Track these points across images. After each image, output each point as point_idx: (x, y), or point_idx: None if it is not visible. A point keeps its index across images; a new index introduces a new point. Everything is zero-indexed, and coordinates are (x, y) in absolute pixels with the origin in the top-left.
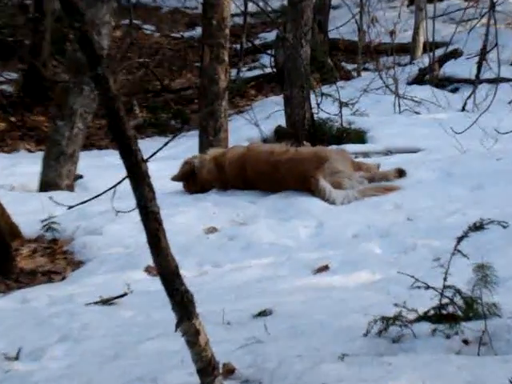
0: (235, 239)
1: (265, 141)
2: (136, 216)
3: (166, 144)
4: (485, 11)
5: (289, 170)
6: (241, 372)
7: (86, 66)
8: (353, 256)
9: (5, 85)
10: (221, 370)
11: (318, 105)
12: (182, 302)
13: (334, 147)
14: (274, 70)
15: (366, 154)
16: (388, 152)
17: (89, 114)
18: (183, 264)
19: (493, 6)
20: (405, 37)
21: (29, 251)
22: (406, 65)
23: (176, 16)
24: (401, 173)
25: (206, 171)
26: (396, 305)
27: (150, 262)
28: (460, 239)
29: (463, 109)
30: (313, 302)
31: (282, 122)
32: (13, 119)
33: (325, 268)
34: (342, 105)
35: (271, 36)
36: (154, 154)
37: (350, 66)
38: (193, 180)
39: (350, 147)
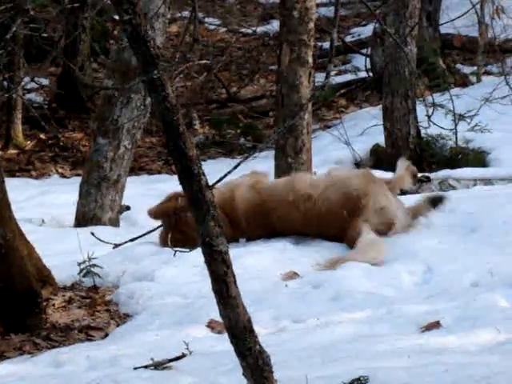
0: (321, 287)
1: (357, 164)
2: (198, 257)
3: (235, 167)
4: None
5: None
6: None
7: (136, 69)
8: (471, 310)
9: (33, 93)
10: None
11: (429, 118)
12: (255, 366)
13: (444, 172)
14: (371, 74)
15: (487, 181)
16: None
17: (138, 129)
18: (256, 318)
19: None
20: None
21: (63, 301)
22: None
23: (247, 7)
24: (435, 202)
25: None
26: None
27: (215, 315)
28: None
29: None
30: (420, 368)
31: (381, 139)
32: (43, 136)
33: (435, 325)
34: (457, 118)
35: (367, 31)
36: (222, 179)
37: (467, 69)
38: (177, 225)
39: (468, 172)
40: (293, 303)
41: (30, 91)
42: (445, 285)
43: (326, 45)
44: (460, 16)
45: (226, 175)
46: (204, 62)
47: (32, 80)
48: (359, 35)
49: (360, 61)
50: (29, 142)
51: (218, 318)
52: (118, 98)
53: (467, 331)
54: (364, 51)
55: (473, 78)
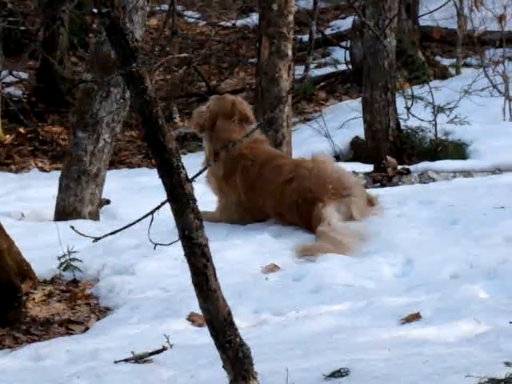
0: (301, 280)
1: (337, 157)
2: (177, 251)
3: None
4: None
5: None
6: None
7: (115, 62)
8: (451, 302)
9: (12, 87)
10: None
11: (408, 109)
12: (235, 358)
13: (424, 164)
14: (350, 66)
15: (467, 173)
16: (496, 170)
17: (117, 123)
18: (237, 311)
19: None
20: None
21: (42, 295)
22: None
23: (226, 0)
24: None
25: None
26: (508, 364)
27: (195, 308)
28: None
29: None
30: (400, 359)
31: (360, 132)
32: (22, 130)
33: (415, 317)
34: (436, 110)
35: (346, 24)
36: (201, 172)
37: (446, 61)
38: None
39: (448, 164)
40: (273, 296)
41: (8, 85)
42: (425, 277)
43: (306, 38)
44: (439, 8)
45: (205, 168)
46: (183, 55)
47: (10, 73)
48: (338, 28)
49: (339, 53)
50: (8, 136)
51: (199, 311)
52: (97, 92)
53: (447, 323)
54: (343, 44)
55: (452, 70)
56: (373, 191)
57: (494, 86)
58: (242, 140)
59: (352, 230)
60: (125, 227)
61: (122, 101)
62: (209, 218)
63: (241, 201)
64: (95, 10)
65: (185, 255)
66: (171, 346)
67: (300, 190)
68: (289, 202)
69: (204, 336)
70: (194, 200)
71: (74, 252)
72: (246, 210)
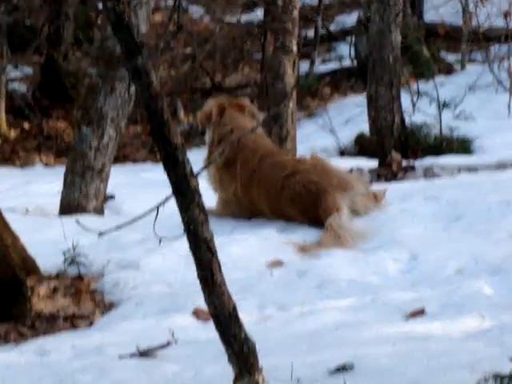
0: (306, 275)
1: (342, 153)
2: (182, 246)
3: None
4: None
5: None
6: None
7: (120, 57)
8: (456, 297)
9: (17, 82)
10: None
11: (414, 105)
12: (241, 353)
13: (429, 160)
14: (355, 62)
15: (472, 169)
16: (501, 166)
17: (122, 118)
18: (241, 306)
19: None
20: None
21: (47, 290)
22: None
23: None
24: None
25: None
26: None
27: (200, 303)
28: None
29: None
30: (405, 354)
31: (365, 128)
32: (26, 125)
33: (420, 312)
34: (441, 106)
35: (351, 20)
36: (207, 166)
37: (451, 57)
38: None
39: (453, 160)
40: (278, 291)
41: (13, 80)
42: (429, 272)
43: (311, 33)
44: (444, 4)
45: (209, 163)
46: (188, 50)
47: (16, 67)
48: (344, 23)
49: (344, 49)
50: (12, 131)
51: (204, 306)
52: (102, 87)
53: (452, 318)
54: (348, 39)
55: (457, 66)
56: (380, 186)
57: (499, 82)
58: (247, 134)
59: (357, 227)
60: (130, 222)
61: (126, 96)
62: (210, 213)
63: (238, 195)
64: (100, 6)
65: (190, 250)
66: (176, 340)
67: (304, 183)
68: (291, 195)
69: (209, 331)
70: (199, 194)
71: (78, 247)
72: (244, 205)
